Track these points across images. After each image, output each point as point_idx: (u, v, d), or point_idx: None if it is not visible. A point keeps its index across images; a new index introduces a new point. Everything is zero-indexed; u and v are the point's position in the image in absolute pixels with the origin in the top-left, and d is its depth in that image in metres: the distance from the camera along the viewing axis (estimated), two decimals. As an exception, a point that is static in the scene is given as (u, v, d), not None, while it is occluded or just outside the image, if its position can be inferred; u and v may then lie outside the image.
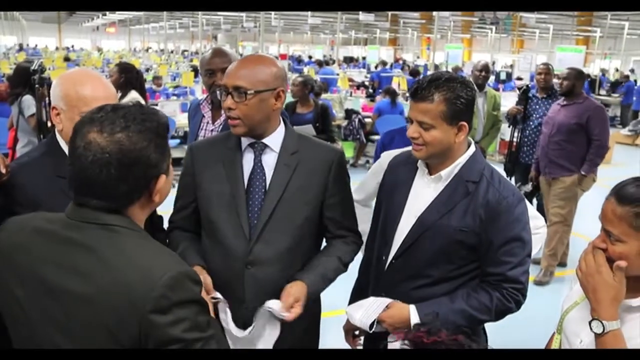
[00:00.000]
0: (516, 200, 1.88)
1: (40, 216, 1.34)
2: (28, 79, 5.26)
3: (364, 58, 26.24)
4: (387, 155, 2.70)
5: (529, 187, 5.23)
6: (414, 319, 1.87)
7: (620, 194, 1.50)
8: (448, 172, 1.91)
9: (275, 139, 1.96)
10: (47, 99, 4.66)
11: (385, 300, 1.93)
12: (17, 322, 1.28)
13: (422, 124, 1.84)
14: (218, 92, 1.93)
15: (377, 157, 3.88)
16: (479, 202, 1.86)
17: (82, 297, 1.19)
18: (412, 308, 1.89)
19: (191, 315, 1.22)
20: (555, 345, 1.75)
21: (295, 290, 1.86)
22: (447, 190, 1.91)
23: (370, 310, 1.91)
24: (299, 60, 24.19)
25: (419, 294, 1.93)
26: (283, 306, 1.82)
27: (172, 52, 26.52)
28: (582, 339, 1.61)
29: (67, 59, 16.97)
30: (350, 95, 11.03)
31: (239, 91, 1.84)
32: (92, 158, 1.20)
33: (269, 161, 1.96)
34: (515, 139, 5.72)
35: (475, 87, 5.88)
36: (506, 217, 1.85)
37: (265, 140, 1.95)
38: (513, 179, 5.69)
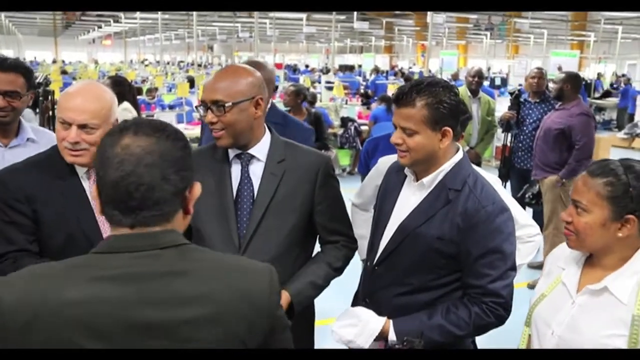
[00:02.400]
0: (497, 209, 1.83)
1: (76, 265, 1.16)
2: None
3: (359, 66, 26.31)
4: (384, 160, 2.72)
5: (536, 188, 5.17)
6: (391, 334, 1.87)
7: (592, 169, 1.64)
8: (431, 179, 1.89)
9: (261, 149, 1.98)
10: (50, 112, 4.72)
11: (378, 325, 1.88)
12: None
13: (405, 130, 1.83)
14: (198, 107, 1.95)
15: (360, 164, 3.93)
16: (458, 210, 1.82)
17: (206, 319, 1.14)
18: (391, 323, 1.88)
19: None
20: (523, 338, 1.83)
21: None
22: (429, 197, 1.89)
23: (365, 333, 1.87)
24: (294, 70, 24.25)
25: (400, 302, 1.92)
26: None
27: (168, 63, 26.56)
28: (554, 329, 1.68)
29: (64, 72, 17.00)
30: (346, 103, 11.05)
31: (217, 105, 1.87)
32: (136, 160, 1.13)
33: (256, 171, 1.98)
34: (508, 144, 5.74)
35: (469, 93, 5.95)
36: (485, 227, 1.81)
37: (251, 151, 1.97)
38: (508, 184, 5.71)
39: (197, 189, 1.25)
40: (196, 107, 2.04)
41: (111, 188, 1.14)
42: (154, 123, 1.21)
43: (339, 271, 2.08)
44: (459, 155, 1.91)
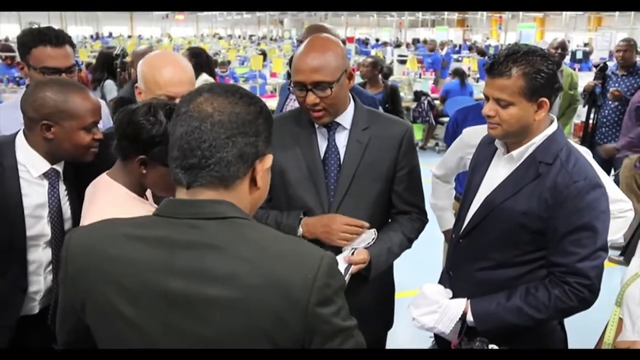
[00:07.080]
0: (588, 185, 1.73)
1: (126, 222, 1.18)
2: (109, 64, 5.52)
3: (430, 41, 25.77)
4: (469, 132, 2.68)
5: None
6: (469, 316, 1.86)
7: None
8: (521, 152, 1.83)
9: (346, 117, 1.98)
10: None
11: (458, 310, 1.87)
12: (124, 342, 1.13)
13: (499, 101, 1.76)
14: (292, 89, 1.90)
15: (447, 134, 3.84)
16: (547, 185, 1.75)
17: (228, 302, 1.05)
18: (469, 305, 1.87)
19: (344, 301, 1.14)
20: (613, 319, 1.75)
21: (357, 253, 1.90)
22: (518, 171, 1.83)
23: (445, 318, 1.87)
24: (365, 43, 24.05)
25: (482, 276, 1.90)
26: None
27: (239, 37, 26.85)
28: None
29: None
30: (420, 77, 10.89)
31: (321, 86, 1.83)
32: (204, 117, 1.11)
33: (341, 138, 1.98)
34: (591, 120, 5.50)
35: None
36: (574, 203, 1.72)
37: (337, 119, 1.96)
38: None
39: (268, 161, 1.19)
40: (288, 87, 2.02)
41: (176, 143, 1.13)
42: (229, 86, 1.19)
43: (411, 242, 2.08)
44: (553, 127, 1.84)
